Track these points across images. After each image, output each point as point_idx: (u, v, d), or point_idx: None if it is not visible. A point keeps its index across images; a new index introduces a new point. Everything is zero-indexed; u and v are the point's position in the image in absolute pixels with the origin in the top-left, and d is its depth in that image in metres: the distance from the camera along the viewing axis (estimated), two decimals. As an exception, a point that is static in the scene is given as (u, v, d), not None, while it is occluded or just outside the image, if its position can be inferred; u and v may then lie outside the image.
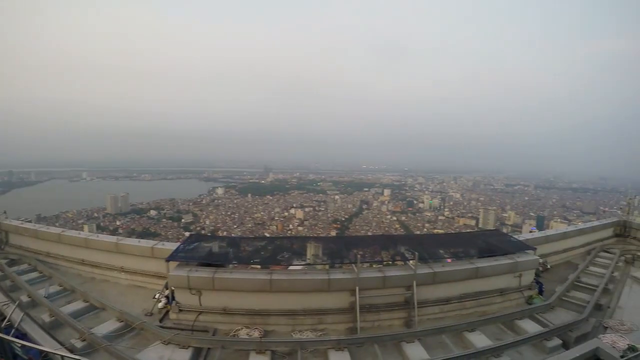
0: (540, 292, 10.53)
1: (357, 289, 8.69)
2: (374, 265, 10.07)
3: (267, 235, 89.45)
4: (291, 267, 9.88)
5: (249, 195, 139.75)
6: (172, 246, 10.33)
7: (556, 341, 8.05)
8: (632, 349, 7.24)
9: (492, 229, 54.56)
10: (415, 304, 8.91)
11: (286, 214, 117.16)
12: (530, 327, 8.70)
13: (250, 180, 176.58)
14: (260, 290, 8.69)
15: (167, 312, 9.03)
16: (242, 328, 8.40)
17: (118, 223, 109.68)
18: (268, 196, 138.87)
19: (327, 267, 9.68)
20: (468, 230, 18.99)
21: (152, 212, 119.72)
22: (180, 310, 8.80)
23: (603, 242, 15.83)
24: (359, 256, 9.15)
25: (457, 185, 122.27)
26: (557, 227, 16.54)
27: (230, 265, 9.94)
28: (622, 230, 16.74)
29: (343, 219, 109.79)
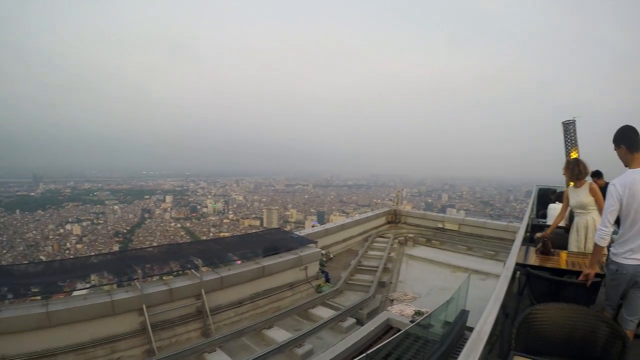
0: (328, 280, 11.34)
1: (144, 306, 8.00)
2: (164, 278, 9.48)
3: (43, 258, 77.29)
4: (75, 293, 8.63)
5: (17, 211, 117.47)
6: None
7: (350, 320, 8.76)
8: (418, 313, 8.44)
9: (275, 227, 56.92)
10: (208, 311, 8.65)
11: (62, 230, 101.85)
12: (324, 313, 9.25)
13: (18, 193, 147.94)
14: (38, 327, 7.27)
15: None
16: (26, 379, 6.96)
17: None
18: (40, 211, 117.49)
19: (114, 286, 8.71)
20: (253, 231, 19.84)
21: None
22: (-56, 379, 6.83)
23: (378, 229, 17.95)
24: (139, 271, 8.43)
25: (239, 188, 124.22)
26: (337, 219, 18.32)
27: (7, 301, 8.22)
28: (393, 218, 19.32)
29: (125, 231, 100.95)
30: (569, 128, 15.11)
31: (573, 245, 5.45)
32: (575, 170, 5.10)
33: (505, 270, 2.47)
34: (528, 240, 6.08)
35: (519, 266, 4.93)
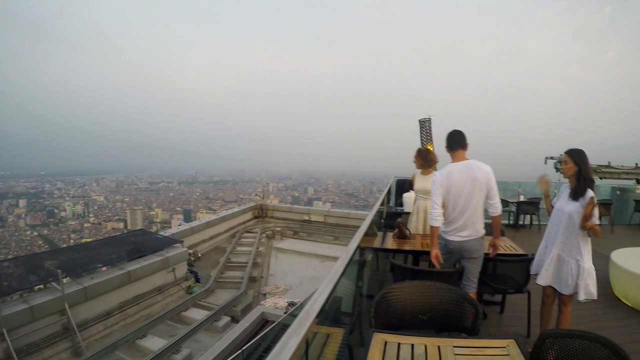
0: (198, 280, 11.24)
1: (4, 331, 7.19)
2: (24, 295, 8.59)
3: None
4: None
5: None
6: None
7: (225, 319, 8.82)
8: (291, 304, 8.73)
9: (139, 229, 54.44)
10: (76, 328, 8.07)
11: None
12: (197, 314, 9.17)
13: None
14: None
15: None
16: None
17: None
18: None
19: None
20: (117, 234, 18.37)
21: None
22: None
23: (245, 224, 18.11)
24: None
25: (100, 188, 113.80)
26: (204, 217, 18.21)
27: None
28: (260, 212, 19.60)
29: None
30: (424, 125, 16.66)
31: (412, 227, 6.12)
32: (427, 158, 5.71)
33: (345, 253, 2.74)
34: (384, 227, 6.67)
35: (378, 250, 5.44)
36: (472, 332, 2.76)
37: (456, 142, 4.01)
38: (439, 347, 2.23)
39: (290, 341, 1.25)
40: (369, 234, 4.96)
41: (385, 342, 2.25)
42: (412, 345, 2.23)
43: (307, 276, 11.57)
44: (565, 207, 3.72)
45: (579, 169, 3.63)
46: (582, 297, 3.64)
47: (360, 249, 3.74)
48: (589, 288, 3.63)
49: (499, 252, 4.43)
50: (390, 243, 5.23)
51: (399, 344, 2.25)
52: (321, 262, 12.97)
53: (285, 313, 7.96)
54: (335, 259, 12.75)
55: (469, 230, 3.91)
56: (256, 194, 21.66)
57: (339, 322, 3.28)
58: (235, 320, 8.92)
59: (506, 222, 11.49)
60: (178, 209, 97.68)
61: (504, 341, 2.26)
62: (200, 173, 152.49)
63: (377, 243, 5.34)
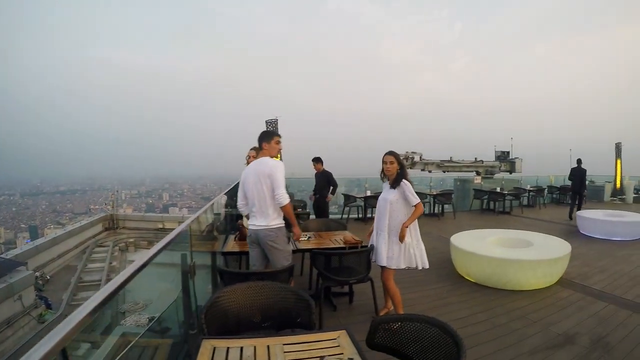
0: (49, 306, 10.44)
1: None
2: None
3: None
4: None
5: None
6: None
7: (85, 346, 8.18)
8: (151, 319, 8.39)
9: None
10: None
11: None
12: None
13: None
14: None
15: None
16: None
17: None
18: None
19: None
20: None
21: None
22: None
23: (95, 238, 16.91)
24: None
25: None
26: (51, 233, 16.82)
27: None
28: (111, 224, 18.41)
29: None
30: (270, 125, 17.05)
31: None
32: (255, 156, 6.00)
33: (139, 259, 2.67)
34: (231, 230, 6.70)
35: (216, 254, 5.45)
36: (308, 327, 2.81)
37: (260, 141, 4.43)
38: (268, 346, 2.24)
39: (40, 350, 1.18)
40: (208, 237, 5.05)
41: (214, 348, 2.23)
42: (242, 348, 2.23)
43: (166, 288, 11.19)
44: (388, 196, 4.50)
45: (400, 167, 4.50)
46: (416, 265, 4.47)
47: (182, 253, 3.77)
48: (415, 258, 4.46)
49: (352, 244, 5.16)
50: (232, 246, 5.22)
51: (227, 348, 2.24)
52: (178, 272, 12.59)
53: (145, 330, 7.74)
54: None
55: (260, 219, 4.29)
56: (106, 204, 20.49)
57: (170, 333, 3.31)
58: (96, 345, 8.42)
59: (355, 216, 12.57)
60: (23, 225, 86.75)
61: (335, 333, 2.34)
62: (45, 182, 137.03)
63: (217, 247, 5.40)
